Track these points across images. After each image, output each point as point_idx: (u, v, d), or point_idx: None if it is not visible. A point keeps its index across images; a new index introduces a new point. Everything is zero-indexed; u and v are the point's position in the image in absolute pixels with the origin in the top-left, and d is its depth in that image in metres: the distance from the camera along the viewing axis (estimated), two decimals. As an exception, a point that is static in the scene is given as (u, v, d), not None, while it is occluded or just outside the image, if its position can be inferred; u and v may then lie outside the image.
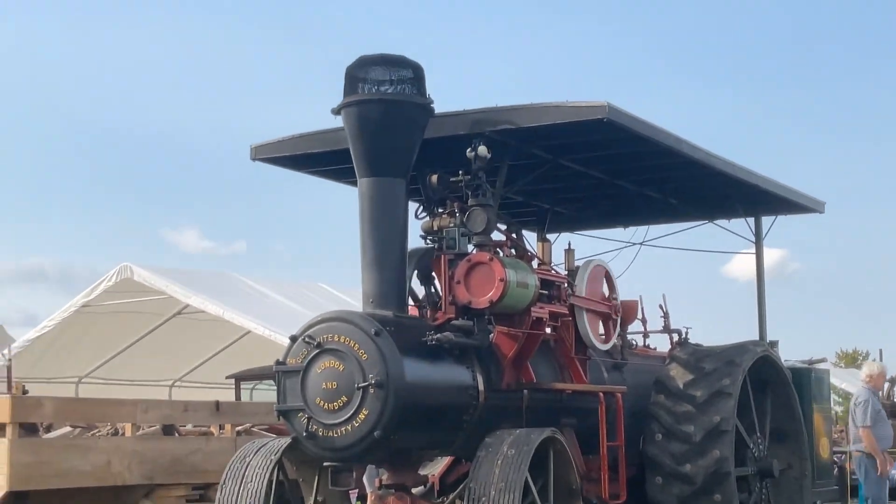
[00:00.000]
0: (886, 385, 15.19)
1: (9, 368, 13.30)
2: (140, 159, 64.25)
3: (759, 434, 10.84)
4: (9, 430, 9.72)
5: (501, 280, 8.50)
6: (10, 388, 12.05)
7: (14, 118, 58.86)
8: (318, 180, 10.69)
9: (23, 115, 60.39)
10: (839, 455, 17.69)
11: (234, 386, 18.56)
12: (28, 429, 10.31)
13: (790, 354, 14.04)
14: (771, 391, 11.18)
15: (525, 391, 8.93)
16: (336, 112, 8.43)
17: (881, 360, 28.21)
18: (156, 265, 19.25)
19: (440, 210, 9.02)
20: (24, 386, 12.32)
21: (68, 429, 10.94)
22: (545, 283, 9.32)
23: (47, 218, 61.85)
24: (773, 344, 12.08)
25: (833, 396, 33.64)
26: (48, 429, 11.03)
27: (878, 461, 12.75)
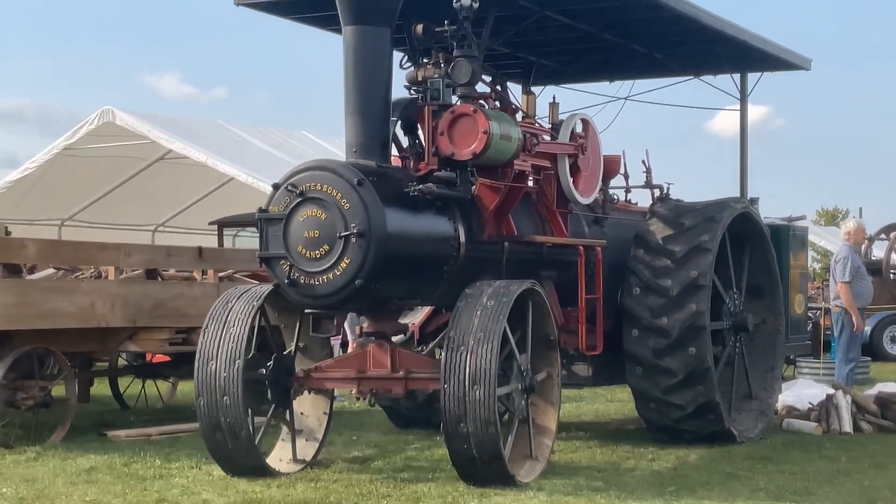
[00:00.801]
0: (866, 243, 15.27)
1: (-9, 210, 13.30)
2: (122, 2, 63.16)
3: (735, 289, 10.98)
4: (-8, 271, 9.78)
5: (485, 132, 8.50)
6: (-8, 229, 12.05)
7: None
8: (301, 28, 10.58)
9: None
10: (814, 311, 17.96)
11: (216, 232, 18.62)
12: (11, 270, 10.37)
13: (770, 212, 14.18)
14: (749, 247, 11.28)
15: (506, 243, 9.01)
16: (321, -42, 8.31)
17: (861, 217, 28.46)
18: (138, 110, 19.12)
19: (425, 60, 8.96)
20: (6, 227, 12.36)
21: (52, 271, 11.01)
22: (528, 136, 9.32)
23: (25, 58, 61.06)
24: (754, 201, 12.15)
25: (812, 254, 34.01)
26: (31, 270, 11.09)
27: (853, 317, 12.95)
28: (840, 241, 13.86)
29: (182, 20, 66.32)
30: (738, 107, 12.88)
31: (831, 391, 11.57)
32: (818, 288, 21.99)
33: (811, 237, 26.27)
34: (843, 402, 11.31)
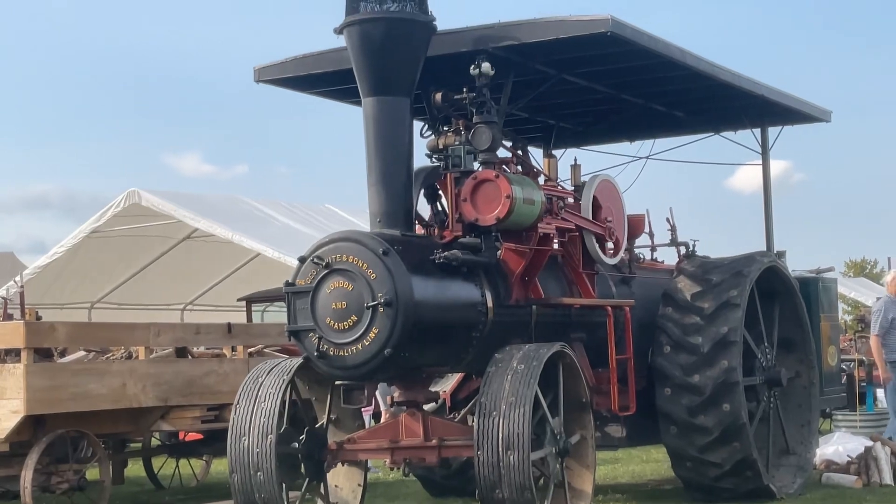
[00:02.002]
0: None
1: (21, 295, 13.37)
2: (140, 84, 63.89)
3: (766, 344, 10.92)
4: (24, 355, 9.82)
5: (508, 196, 8.52)
6: (23, 314, 12.12)
7: (13, 45, 58.53)
8: (320, 101, 10.69)
9: (21, 42, 60.03)
10: (847, 363, 17.81)
11: (245, 308, 18.67)
12: (42, 354, 10.42)
13: (798, 265, 14.11)
14: (779, 301, 11.24)
15: (533, 307, 9.00)
16: (338, 31, 8.41)
17: (889, 267, 28.29)
18: (162, 189, 19.26)
19: (445, 128, 9.03)
20: (37, 312, 12.42)
21: (82, 353, 11.05)
22: (552, 199, 9.35)
23: (49, 145, 61.81)
24: (781, 254, 12.13)
25: (842, 305, 33.81)
26: (62, 354, 11.14)
27: (880, 369, 12.96)
28: (884, 294, 13.86)
29: (200, 99, 66.99)
30: (759, 161, 12.88)
31: (870, 443, 11.44)
32: (850, 340, 21.79)
33: (840, 289, 26.12)
34: (883, 453, 11.18)
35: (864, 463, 11.22)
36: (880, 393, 18.14)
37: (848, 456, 11.52)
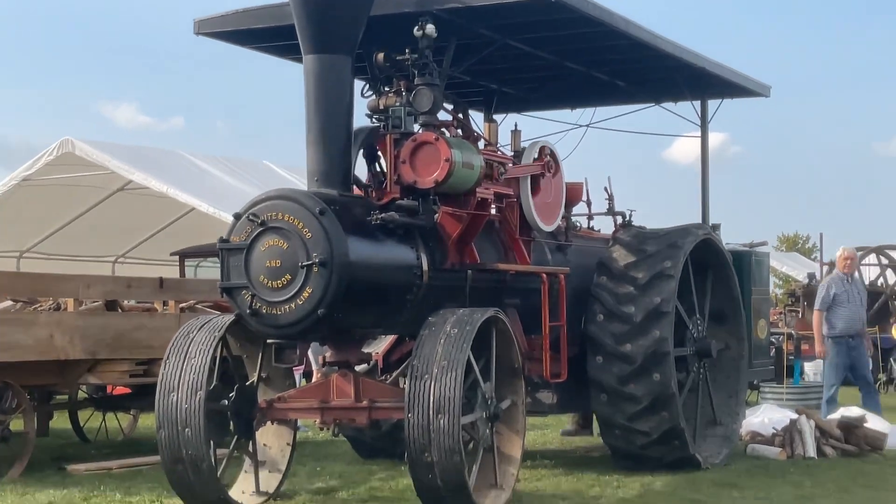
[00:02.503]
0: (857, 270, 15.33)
1: (-52, 242, 13.14)
2: (78, 29, 62.78)
3: (698, 315, 11.01)
4: (-51, 303, 9.66)
5: (447, 160, 8.49)
6: (-50, 261, 11.92)
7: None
8: (260, 56, 10.56)
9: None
10: (776, 336, 18.07)
11: (178, 263, 18.50)
12: (-32, 303, 10.25)
13: (732, 238, 14.25)
14: (712, 273, 11.33)
15: (469, 271, 8.99)
16: (281, -14, 8.30)
17: (821, 243, 28.68)
18: (98, 140, 18.98)
19: (386, 89, 8.95)
20: (-36, 260, 12.22)
21: (10, 303, 10.89)
22: (491, 164, 9.33)
23: (-17, 90, 60.63)
24: (716, 227, 12.21)
25: (773, 279, 34.25)
26: (-11, 303, 10.96)
27: (816, 344, 13.23)
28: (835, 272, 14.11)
29: (140, 50, 65.97)
30: (698, 133, 12.94)
31: (795, 416, 11.60)
32: (780, 313, 22.11)
33: (773, 263, 26.48)
34: (807, 426, 11.34)
35: (789, 435, 11.37)
36: (808, 366, 18.46)
37: (773, 428, 11.67)
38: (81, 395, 13.00)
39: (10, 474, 9.91)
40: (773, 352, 15.26)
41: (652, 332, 9.97)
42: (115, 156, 18.17)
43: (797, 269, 35.93)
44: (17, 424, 10.46)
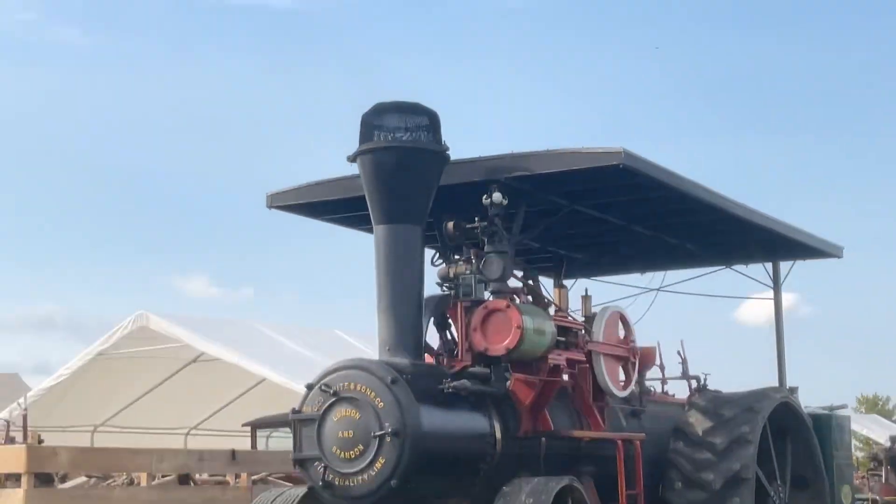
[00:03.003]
0: None
1: (25, 417, 13.24)
2: (147, 206, 64.18)
3: (779, 481, 10.74)
4: (24, 480, 9.68)
5: (518, 327, 8.45)
6: (25, 437, 12.00)
7: (23, 164, 59.03)
8: (327, 227, 10.69)
9: (31, 161, 60.54)
10: (861, 501, 17.54)
11: (250, 434, 18.49)
12: (43, 479, 10.27)
13: (810, 401, 13.94)
14: (791, 438, 11.08)
15: (542, 439, 8.86)
16: (352, 159, 8.44)
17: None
18: (172, 312, 19.24)
19: (456, 257, 8.99)
20: (39, 435, 12.31)
21: (84, 479, 10.89)
22: (562, 330, 9.28)
23: (55, 265, 61.84)
24: (793, 390, 11.99)
25: (854, 442, 33.45)
26: (63, 479, 10.98)
27: None
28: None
29: (210, 223, 67.22)
30: (769, 295, 12.82)
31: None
32: (862, 477, 21.52)
33: (853, 426, 25.85)
34: None
35: None
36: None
37: None
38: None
39: None
40: (858, 518, 14.80)
41: (732, 500, 9.71)
42: (189, 328, 18.39)
43: (878, 431, 35.11)
44: None
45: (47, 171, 60.24)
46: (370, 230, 8.59)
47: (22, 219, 57.72)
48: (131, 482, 10.90)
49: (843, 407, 14.64)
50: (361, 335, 21.43)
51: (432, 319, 8.76)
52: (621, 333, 10.09)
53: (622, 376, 9.98)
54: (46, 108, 59.23)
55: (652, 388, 11.13)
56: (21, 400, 17.74)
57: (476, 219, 8.87)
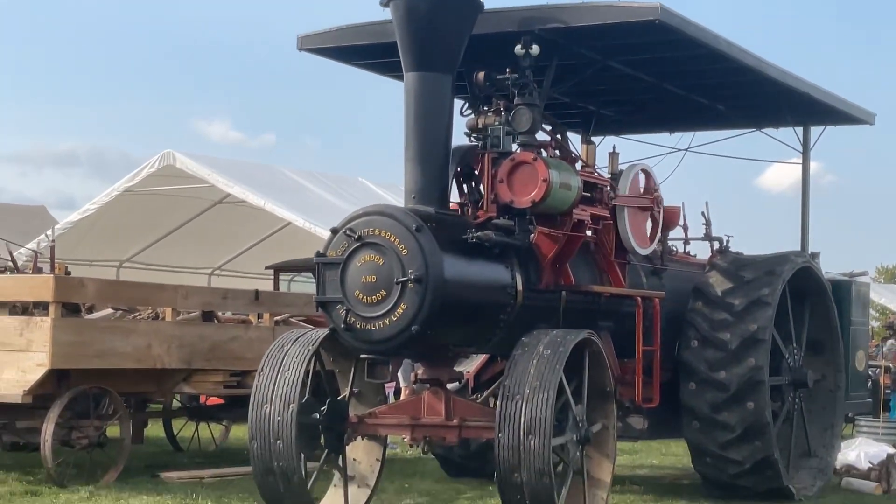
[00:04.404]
0: None
1: (52, 249, 13.39)
2: (174, 46, 63.67)
3: (795, 344, 10.84)
4: (52, 308, 9.86)
5: (544, 180, 8.46)
6: (53, 268, 12.16)
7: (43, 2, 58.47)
8: (349, 72, 10.63)
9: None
10: (874, 369, 17.71)
11: (272, 276, 18.69)
12: (70, 309, 10.45)
13: (829, 268, 13.98)
14: (810, 302, 11.15)
15: (563, 292, 8.94)
16: (385, 4, 8.36)
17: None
18: (198, 153, 19.28)
19: (486, 108, 8.96)
20: (66, 267, 12.46)
21: (110, 311, 11.08)
22: (588, 186, 9.29)
23: (77, 102, 61.78)
24: (815, 255, 12.02)
25: (871, 311, 33.58)
26: (90, 310, 11.16)
27: None
28: None
29: (234, 66, 66.57)
30: (798, 160, 12.76)
31: (892, 451, 11.35)
32: (877, 345, 21.67)
33: (871, 294, 25.89)
34: (905, 462, 11.09)
35: (885, 470, 11.13)
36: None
37: (869, 462, 11.42)
38: (176, 404, 13.17)
39: (105, 479, 10.07)
40: (870, 384, 14.96)
41: (747, 360, 9.84)
42: (215, 169, 18.45)
43: (895, 300, 35.19)
44: (113, 431, 10.62)
45: (71, 7, 59.77)
46: (400, 77, 8.55)
47: (46, 53, 57.50)
48: (156, 317, 11.08)
49: (864, 274, 14.69)
50: (386, 185, 21.48)
51: (459, 169, 8.77)
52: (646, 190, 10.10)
53: (648, 230, 10.00)
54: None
55: (674, 248, 11.18)
56: (49, 231, 17.93)
57: (507, 70, 8.81)
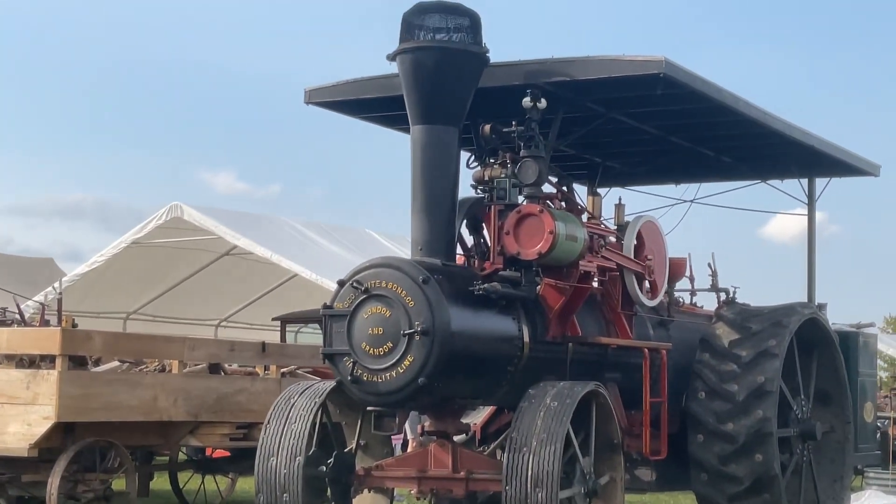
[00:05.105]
0: None
1: (59, 301, 13.42)
2: (178, 98, 63.89)
3: (803, 396, 10.80)
4: (58, 361, 9.87)
5: (551, 232, 8.49)
6: (60, 320, 12.18)
7: (53, 52, 58.84)
8: (357, 125, 10.70)
9: (61, 50, 60.33)
10: (882, 420, 17.64)
11: (279, 328, 18.70)
12: (77, 362, 10.45)
13: (836, 319, 13.96)
14: (817, 354, 11.12)
15: (570, 344, 8.94)
16: (391, 58, 8.43)
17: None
18: (205, 205, 19.37)
19: (492, 160, 9.00)
20: (73, 319, 12.48)
21: (116, 363, 11.09)
22: (593, 237, 9.31)
23: (83, 153, 61.91)
24: (822, 307, 11.99)
25: (879, 362, 33.47)
26: (97, 363, 11.17)
27: None
28: None
29: (239, 117, 66.78)
30: (803, 211, 12.79)
31: (902, 503, 11.29)
32: (886, 397, 21.59)
33: (879, 345, 25.85)
34: (915, 514, 11.02)
35: (896, 523, 11.06)
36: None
37: (879, 515, 11.37)
38: (182, 457, 13.14)
39: (111, 533, 10.03)
40: (878, 436, 14.89)
41: (755, 412, 9.79)
42: (222, 221, 18.53)
43: (904, 351, 35.11)
44: (118, 484, 10.59)
45: (77, 58, 60.17)
46: (407, 130, 8.60)
47: (53, 106, 57.83)
48: (163, 369, 11.09)
49: (871, 325, 14.68)
50: (393, 236, 21.54)
51: (465, 222, 8.81)
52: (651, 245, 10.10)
53: (649, 287, 10.00)
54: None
55: (681, 299, 11.18)
56: (56, 284, 17.97)
57: (513, 123, 8.86)
